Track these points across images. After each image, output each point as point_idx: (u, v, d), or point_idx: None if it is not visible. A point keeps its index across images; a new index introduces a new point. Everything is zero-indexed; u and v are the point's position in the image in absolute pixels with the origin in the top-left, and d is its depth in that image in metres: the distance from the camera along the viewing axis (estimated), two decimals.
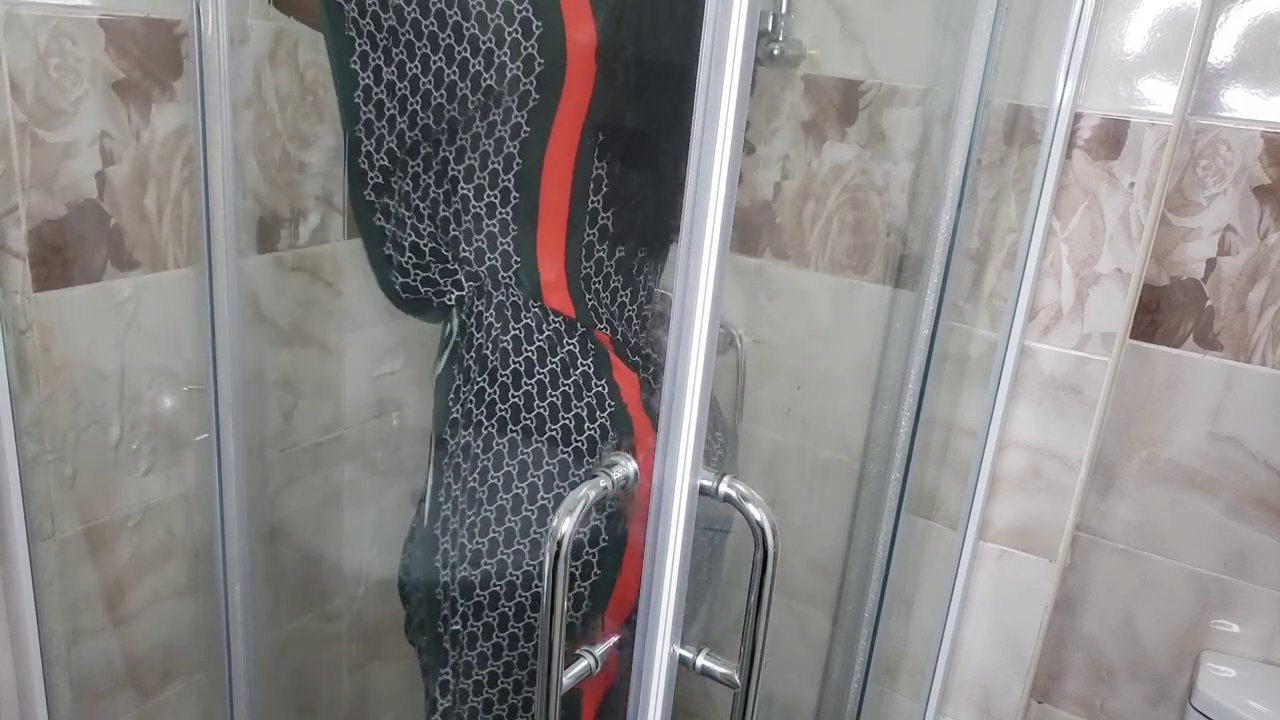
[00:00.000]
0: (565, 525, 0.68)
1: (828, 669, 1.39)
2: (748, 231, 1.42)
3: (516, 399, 0.98)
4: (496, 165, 0.94)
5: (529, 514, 0.98)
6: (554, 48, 0.89)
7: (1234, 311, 1.19)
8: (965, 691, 1.33)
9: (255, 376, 1.23)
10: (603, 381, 0.98)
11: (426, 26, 0.89)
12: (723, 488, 0.66)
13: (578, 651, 0.79)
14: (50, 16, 0.93)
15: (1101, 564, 1.33)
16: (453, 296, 1.01)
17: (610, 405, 0.98)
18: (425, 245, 1.01)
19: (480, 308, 0.99)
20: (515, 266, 0.98)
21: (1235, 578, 1.26)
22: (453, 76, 0.90)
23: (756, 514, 0.66)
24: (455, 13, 0.88)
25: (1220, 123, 1.15)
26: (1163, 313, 1.23)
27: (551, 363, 0.98)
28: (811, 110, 1.34)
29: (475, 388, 1.00)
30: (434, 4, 0.88)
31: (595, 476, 0.72)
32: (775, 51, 1.25)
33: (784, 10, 1.24)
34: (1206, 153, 1.16)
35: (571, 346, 0.98)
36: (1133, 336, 1.24)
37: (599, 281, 1.01)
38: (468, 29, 0.88)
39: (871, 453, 1.30)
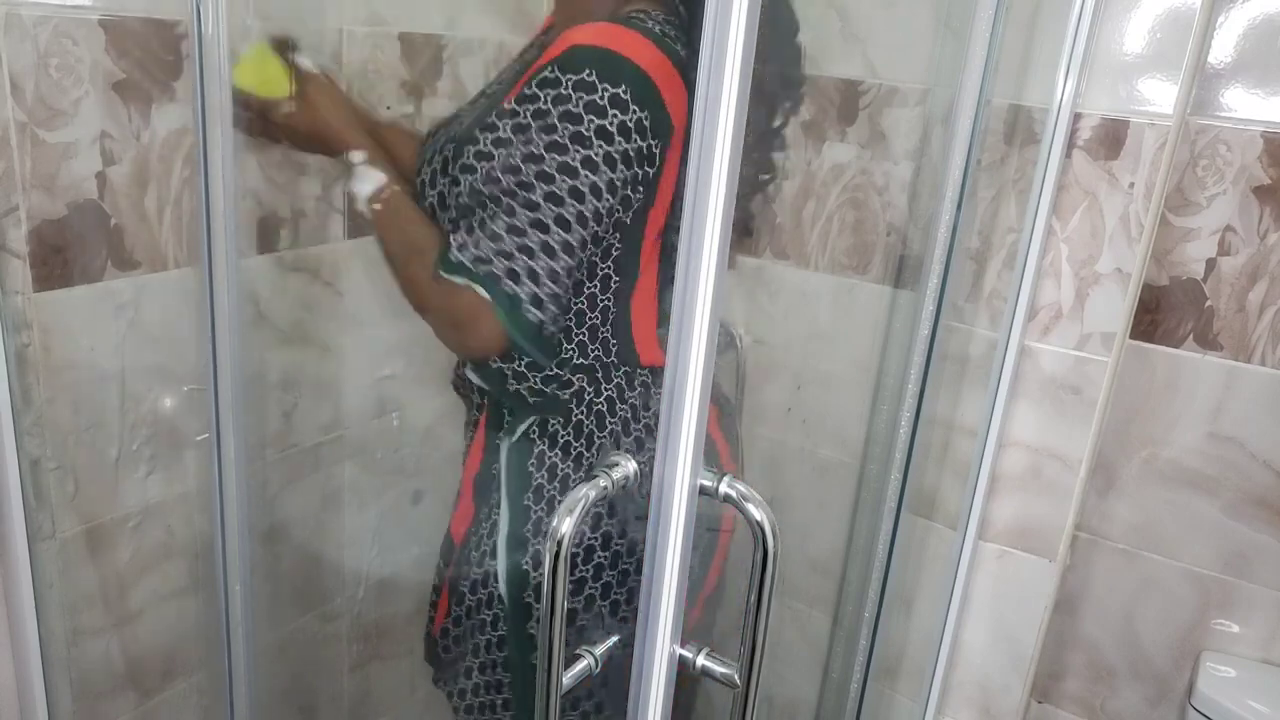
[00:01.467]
0: (565, 525, 0.68)
1: (828, 669, 1.39)
2: (748, 231, 1.42)
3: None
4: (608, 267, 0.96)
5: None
6: (662, 134, 0.89)
7: (1234, 311, 1.19)
8: (965, 691, 1.33)
9: (255, 376, 1.23)
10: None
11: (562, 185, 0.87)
12: (723, 488, 0.66)
13: (577, 652, 0.79)
14: (50, 16, 0.93)
15: (1101, 564, 1.33)
16: (569, 393, 1.00)
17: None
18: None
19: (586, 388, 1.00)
20: (614, 347, 0.99)
21: (1235, 578, 1.26)
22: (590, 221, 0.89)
23: (756, 514, 0.66)
24: (586, 171, 0.87)
25: (1220, 123, 1.15)
26: (1163, 313, 1.23)
27: (646, 417, 1.00)
28: (811, 110, 1.33)
29: (571, 453, 1.00)
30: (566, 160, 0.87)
31: (595, 476, 0.72)
32: None
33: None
34: (1206, 153, 1.16)
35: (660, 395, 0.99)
36: (1133, 336, 1.24)
37: None
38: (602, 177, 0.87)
39: (871, 453, 1.30)
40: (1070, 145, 1.11)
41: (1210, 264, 1.19)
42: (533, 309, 0.88)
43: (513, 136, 0.87)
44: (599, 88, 0.85)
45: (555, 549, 0.68)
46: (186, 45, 1.03)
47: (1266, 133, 1.13)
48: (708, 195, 0.57)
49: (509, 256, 0.87)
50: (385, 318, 1.39)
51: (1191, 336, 1.22)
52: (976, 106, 1.02)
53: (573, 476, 1.00)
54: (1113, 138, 1.09)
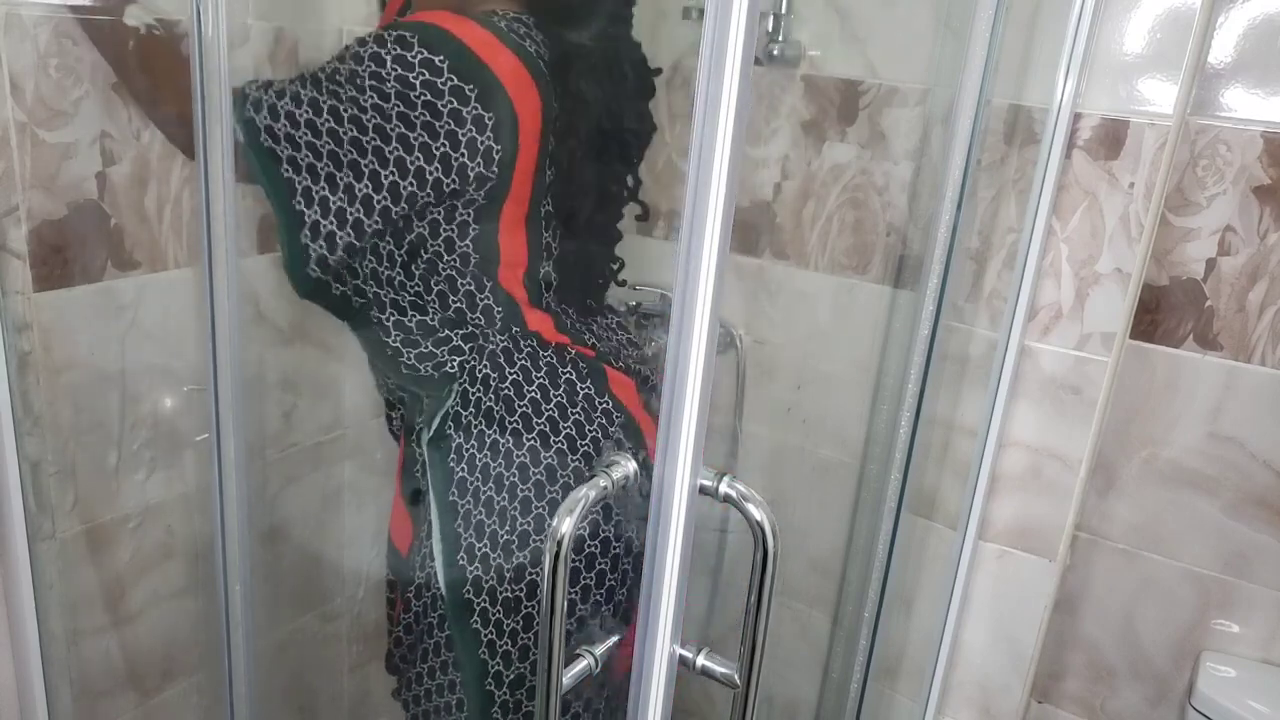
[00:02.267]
0: (565, 525, 0.68)
1: (828, 669, 1.39)
2: (748, 231, 1.42)
3: (531, 440, 1.00)
4: (459, 250, 0.97)
5: (543, 504, 0.99)
6: (509, 133, 0.91)
7: (1234, 311, 1.19)
8: (965, 691, 1.33)
9: (255, 376, 1.23)
10: (605, 399, 1.00)
11: (369, 143, 0.89)
12: (723, 488, 0.66)
13: (577, 652, 0.79)
14: (50, 16, 0.93)
15: (1101, 564, 1.33)
16: (454, 364, 1.02)
17: (619, 417, 1.00)
18: (414, 327, 1.02)
19: (476, 364, 1.01)
20: (499, 316, 1.00)
21: (1235, 578, 1.26)
22: (410, 187, 0.91)
23: (756, 514, 0.66)
24: (397, 125, 0.89)
25: (1220, 123, 1.15)
26: (1163, 313, 1.23)
27: (556, 396, 1.00)
28: (811, 110, 1.34)
29: (486, 441, 1.01)
30: (370, 120, 0.89)
31: (595, 477, 0.72)
32: (775, 51, 1.25)
33: (784, 10, 1.24)
34: (1206, 153, 1.16)
35: (569, 374, 1.00)
36: (1133, 336, 1.24)
37: (564, 307, 1.05)
38: (416, 139, 0.89)
39: (871, 453, 1.30)
40: (1070, 145, 1.11)
41: (1210, 264, 1.19)
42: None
43: (339, 87, 0.89)
44: (415, 52, 0.87)
45: (555, 549, 0.68)
46: (186, 45, 1.03)
47: (1266, 133, 1.12)
48: (708, 195, 0.57)
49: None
50: None
51: (1191, 336, 1.22)
52: (976, 106, 1.02)
53: (492, 465, 0.99)
54: (1113, 138, 1.09)
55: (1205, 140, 1.16)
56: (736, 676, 0.70)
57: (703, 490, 0.65)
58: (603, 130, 1.03)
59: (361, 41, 0.89)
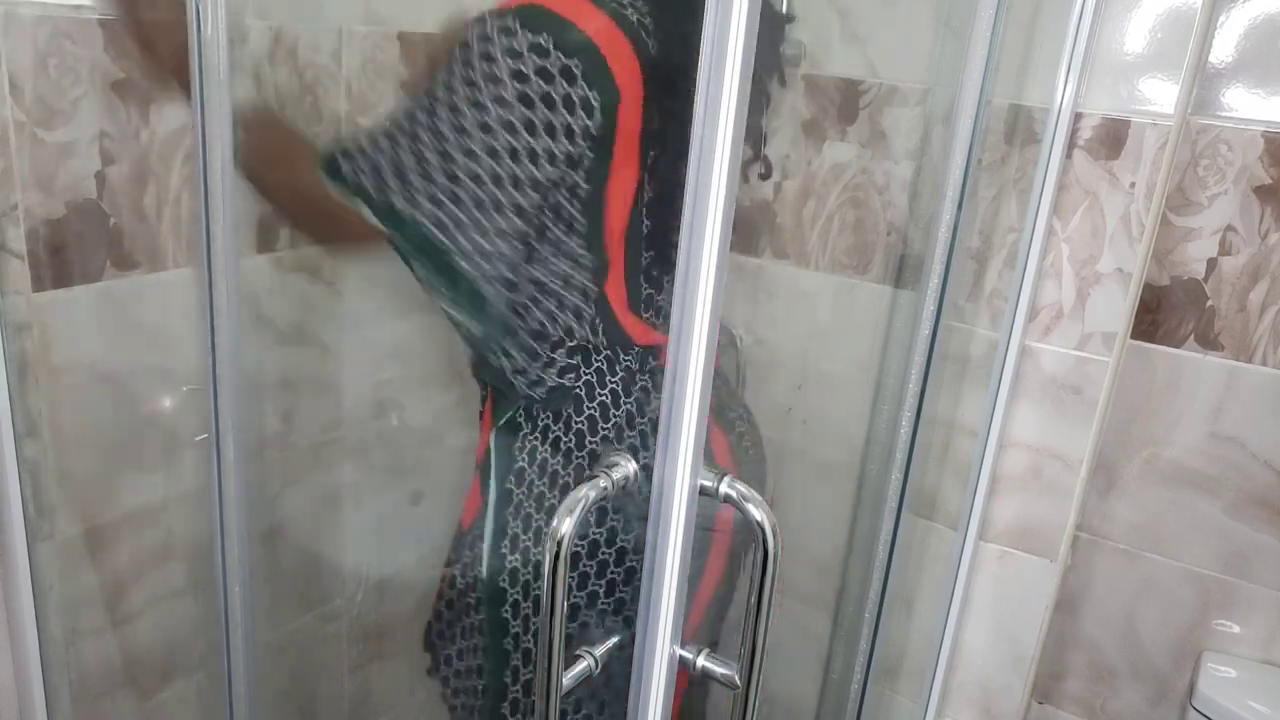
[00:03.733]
0: (565, 526, 0.68)
1: (828, 669, 1.39)
2: (748, 231, 1.41)
3: (593, 443, 0.98)
4: (566, 226, 0.92)
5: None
6: (606, 90, 0.85)
7: (1235, 311, 1.19)
8: (966, 692, 1.33)
9: (255, 376, 1.23)
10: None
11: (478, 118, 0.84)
12: (723, 488, 0.66)
13: (577, 652, 0.79)
14: (50, 16, 0.93)
15: (1102, 564, 1.33)
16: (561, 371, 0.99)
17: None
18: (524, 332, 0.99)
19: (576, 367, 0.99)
20: (598, 324, 0.97)
21: (1236, 578, 1.25)
22: (516, 167, 0.86)
23: (756, 514, 0.66)
24: (495, 105, 0.83)
25: (1221, 123, 1.15)
26: (1163, 312, 1.22)
27: (626, 403, 0.99)
28: (811, 110, 1.33)
29: (549, 436, 1.00)
30: (478, 99, 0.83)
31: (595, 477, 0.72)
32: None
33: (784, 10, 1.24)
34: (1207, 152, 1.16)
35: (645, 381, 0.99)
36: (1133, 336, 1.24)
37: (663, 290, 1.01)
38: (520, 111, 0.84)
39: (871, 453, 1.30)
40: (1071, 145, 1.11)
41: (1211, 264, 1.19)
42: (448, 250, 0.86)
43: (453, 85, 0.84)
44: (549, 51, 0.82)
45: (555, 549, 0.68)
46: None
47: (1267, 132, 1.12)
48: (708, 195, 0.57)
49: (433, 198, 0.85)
50: (385, 318, 1.39)
51: (1192, 336, 1.21)
52: (977, 106, 1.02)
53: (550, 461, 0.99)
54: (1113, 137, 1.09)
55: (1206, 140, 1.15)
56: (736, 676, 0.70)
57: (703, 490, 0.65)
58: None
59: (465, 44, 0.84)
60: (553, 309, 0.96)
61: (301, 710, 1.50)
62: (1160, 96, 1.06)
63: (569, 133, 0.85)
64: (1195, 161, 1.16)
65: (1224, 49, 1.13)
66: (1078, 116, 1.10)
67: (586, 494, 0.70)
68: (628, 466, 0.73)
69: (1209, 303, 1.20)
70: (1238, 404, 1.20)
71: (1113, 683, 1.37)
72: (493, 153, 0.84)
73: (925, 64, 1.25)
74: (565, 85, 0.83)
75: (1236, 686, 1.23)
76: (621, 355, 0.99)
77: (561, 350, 0.98)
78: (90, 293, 1.03)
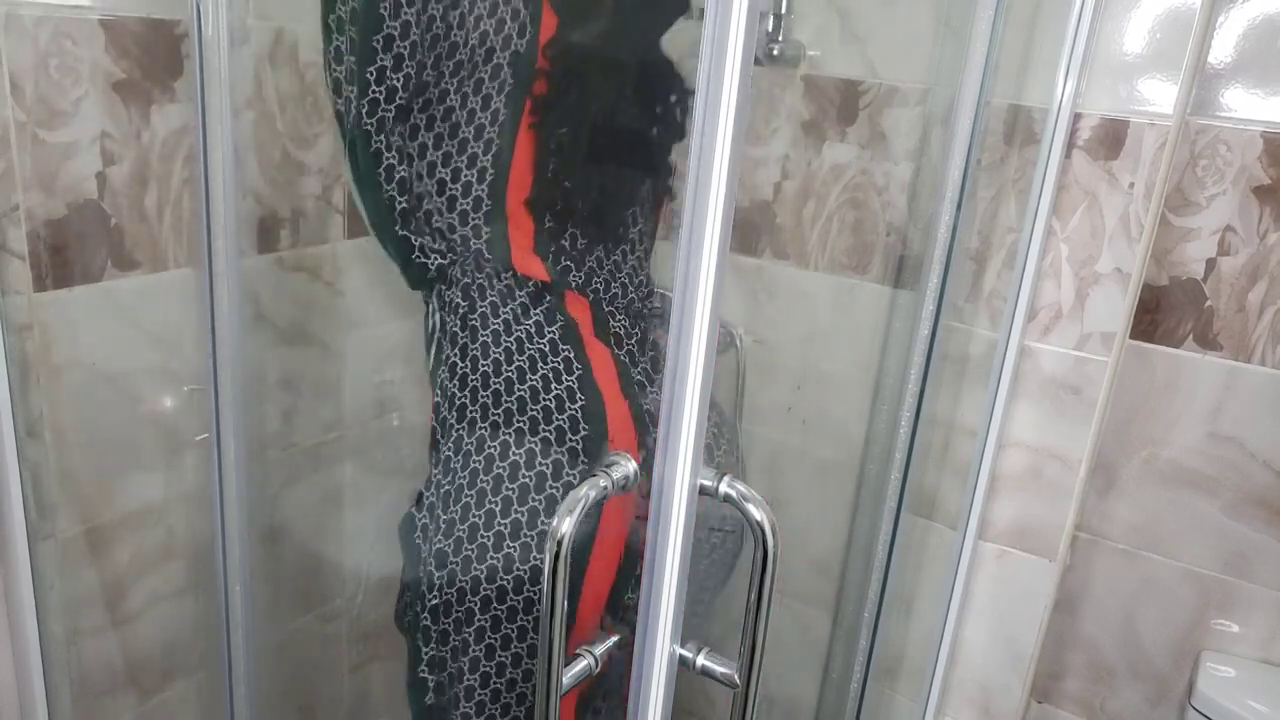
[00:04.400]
0: (565, 525, 0.68)
1: (828, 669, 1.39)
2: (748, 231, 1.42)
3: (496, 383, 1.00)
4: (474, 129, 0.97)
5: (501, 500, 0.99)
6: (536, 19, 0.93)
7: (1234, 311, 1.19)
8: (965, 691, 1.33)
9: (255, 376, 1.23)
10: (568, 347, 0.99)
11: None
12: (723, 488, 0.66)
13: (577, 651, 0.79)
14: (50, 16, 0.93)
15: (1101, 564, 1.33)
16: (435, 263, 1.02)
17: (569, 379, 0.99)
18: (414, 207, 1.02)
19: (456, 280, 1.01)
20: (486, 237, 0.99)
21: (1235, 578, 1.26)
22: (460, 36, 0.93)
23: (756, 514, 0.66)
24: None
25: (1220, 123, 1.15)
26: (1162, 313, 1.23)
27: (517, 330, 0.99)
28: (811, 110, 1.34)
29: (457, 373, 1.01)
30: None
31: (595, 476, 0.72)
32: (775, 51, 1.25)
33: (784, 10, 1.24)
34: (1206, 153, 1.16)
35: (538, 316, 0.99)
36: (1133, 336, 1.24)
37: (577, 249, 1.02)
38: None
39: (871, 453, 1.30)
40: (1070, 145, 1.11)
41: (1210, 264, 1.19)
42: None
43: None
44: None
45: (555, 549, 0.68)
46: (186, 45, 1.03)
47: (1266, 133, 1.12)
48: (708, 195, 0.57)
49: None
50: (385, 318, 1.39)
51: (1191, 336, 1.22)
52: (976, 106, 1.02)
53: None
54: (1113, 138, 1.09)
55: (1205, 140, 1.16)
56: (736, 676, 0.70)
57: (703, 490, 0.65)
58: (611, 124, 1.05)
59: None
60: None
61: (301, 710, 1.50)
62: (1159, 97, 1.06)
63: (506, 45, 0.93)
64: (1194, 162, 1.17)
65: (1223, 49, 1.13)
66: (1077, 117, 1.10)
67: (586, 494, 0.70)
68: (627, 466, 0.73)
69: (1208, 303, 1.20)
70: (1237, 404, 1.20)
71: (1112, 682, 1.37)
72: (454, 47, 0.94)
73: (925, 64, 1.26)
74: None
75: (1236, 686, 1.23)
76: (517, 286, 1.01)
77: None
78: (91, 293, 1.03)
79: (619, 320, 1.04)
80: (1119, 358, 1.20)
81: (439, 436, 1.05)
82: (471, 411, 1.02)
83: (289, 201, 1.23)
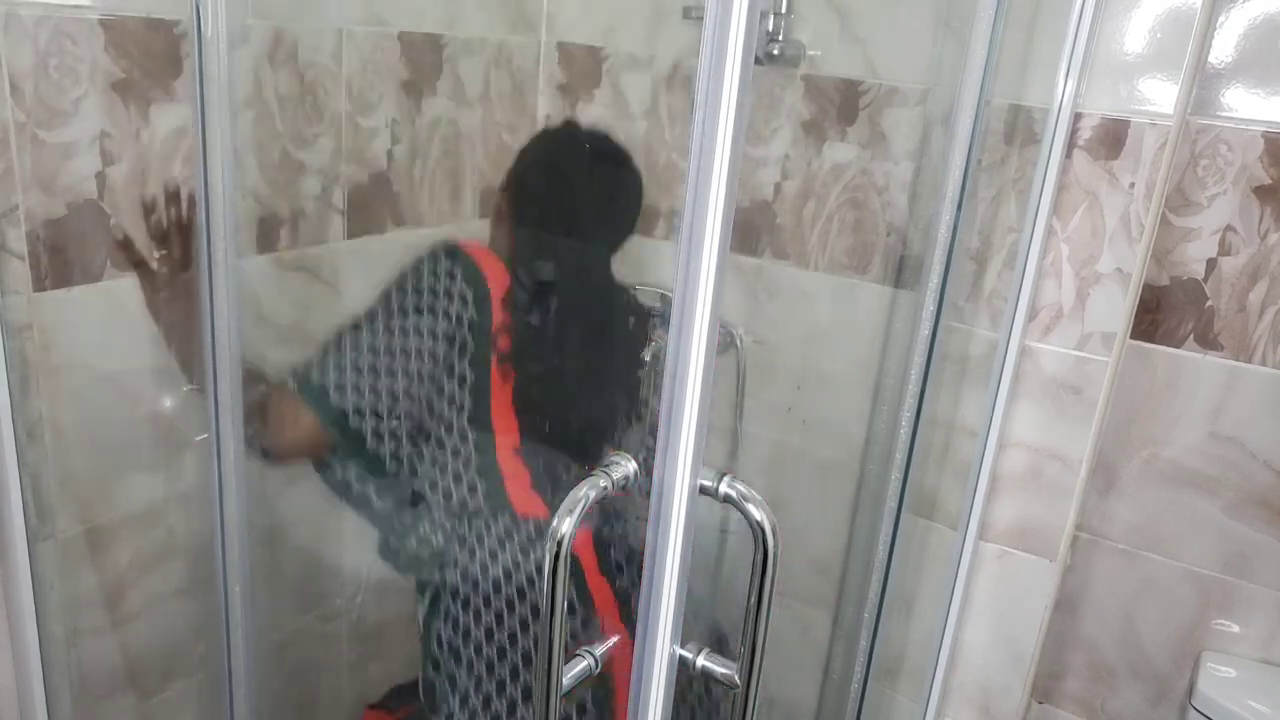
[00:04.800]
0: (565, 525, 0.68)
1: (828, 669, 1.39)
2: (748, 231, 1.42)
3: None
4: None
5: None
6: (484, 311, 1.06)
7: (1234, 311, 1.19)
8: (965, 692, 1.33)
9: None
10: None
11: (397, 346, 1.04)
12: (723, 488, 0.66)
13: (577, 652, 0.79)
14: (50, 16, 0.93)
15: (1102, 564, 1.33)
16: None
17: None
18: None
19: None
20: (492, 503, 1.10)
21: (1236, 578, 1.25)
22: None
23: (756, 514, 0.66)
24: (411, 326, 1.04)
25: (1220, 123, 1.15)
26: (1163, 312, 1.22)
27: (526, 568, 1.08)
28: (811, 110, 1.33)
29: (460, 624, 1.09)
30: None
31: (594, 476, 0.72)
32: (775, 51, 1.25)
33: (784, 10, 1.24)
34: (1207, 153, 1.16)
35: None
36: (1133, 336, 1.24)
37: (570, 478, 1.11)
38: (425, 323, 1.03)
39: (871, 453, 1.30)
40: (1071, 145, 1.11)
41: (1211, 264, 1.19)
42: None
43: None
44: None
45: (555, 549, 0.68)
46: (186, 45, 1.03)
47: (1267, 133, 1.12)
48: (708, 195, 0.57)
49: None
50: None
51: (1192, 336, 1.21)
52: (977, 106, 1.02)
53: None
54: (1113, 138, 1.09)
55: (1206, 140, 1.15)
56: (736, 676, 0.70)
57: (703, 490, 0.65)
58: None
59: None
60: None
61: (301, 710, 1.49)
62: (1160, 96, 1.06)
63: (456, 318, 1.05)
64: (1195, 162, 1.17)
65: (1223, 49, 1.13)
66: (1077, 117, 1.10)
67: (586, 494, 0.70)
68: (627, 467, 0.73)
69: (1208, 303, 1.20)
70: (1237, 404, 1.20)
71: (1112, 682, 1.37)
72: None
73: (925, 64, 1.26)
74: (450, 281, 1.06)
75: (1236, 686, 1.23)
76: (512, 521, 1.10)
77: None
78: (91, 293, 1.03)
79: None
80: (1119, 358, 1.20)
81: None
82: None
83: (288, 201, 1.23)
